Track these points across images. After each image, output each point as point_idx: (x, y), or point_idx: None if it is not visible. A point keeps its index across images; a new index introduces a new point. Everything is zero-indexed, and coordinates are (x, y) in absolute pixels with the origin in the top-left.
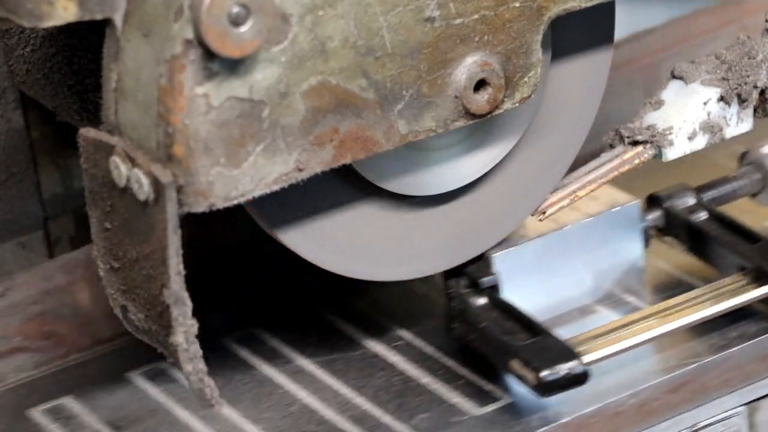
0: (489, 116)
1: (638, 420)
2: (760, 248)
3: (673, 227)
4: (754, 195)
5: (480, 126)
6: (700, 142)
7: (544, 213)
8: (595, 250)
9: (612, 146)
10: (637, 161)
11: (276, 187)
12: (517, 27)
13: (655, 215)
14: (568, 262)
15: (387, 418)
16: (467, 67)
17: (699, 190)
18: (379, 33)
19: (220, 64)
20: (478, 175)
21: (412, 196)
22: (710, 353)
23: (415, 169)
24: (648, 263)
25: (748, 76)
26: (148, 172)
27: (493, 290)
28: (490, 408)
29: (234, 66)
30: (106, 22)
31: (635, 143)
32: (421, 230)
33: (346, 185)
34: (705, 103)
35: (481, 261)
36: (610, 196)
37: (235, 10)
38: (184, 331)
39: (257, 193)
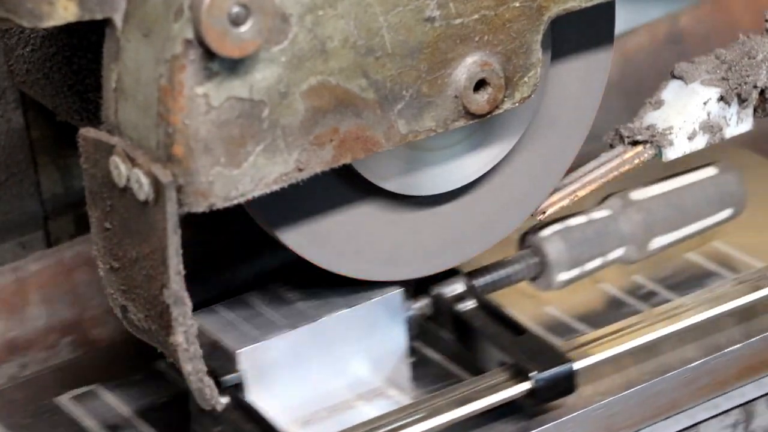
0: (489, 116)
1: None
2: (522, 342)
3: (440, 316)
4: (533, 279)
5: (480, 126)
6: (700, 142)
7: (545, 213)
8: (358, 341)
9: (612, 146)
10: (637, 161)
11: (276, 187)
12: (517, 27)
13: (421, 303)
14: (328, 354)
15: None
16: (467, 67)
17: (471, 275)
18: (379, 33)
19: (220, 64)
20: (478, 175)
21: (412, 196)
22: None
23: (415, 169)
24: (419, 353)
25: (748, 76)
26: (148, 172)
27: (236, 389)
28: None
29: (234, 66)
30: (106, 22)
31: (635, 143)
32: (421, 230)
33: (346, 185)
34: (705, 103)
35: (225, 357)
36: (374, 284)
37: (235, 10)
38: (184, 331)
39: (257, 193)
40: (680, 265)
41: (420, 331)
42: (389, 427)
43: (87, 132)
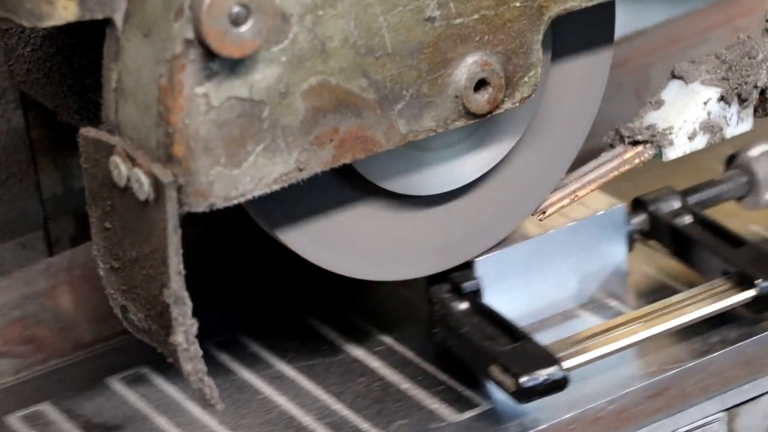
0: (489, 116)
1: (617, 426)
2: (744, 252)
3: (658, 231)
4: (739, 199)
5: (480, 126)
6: (701, 141)
7: (545, 213)
8: (580, 255)
9: (612, 146)
10: (637, 161)
11: (276, 187)
12: (518, 27)
13: (639, 219)
14: (552, 266)
15: (365, 425)
16: (467, 66)
17: (684, 193)
18: (379, 33)
19: (220, 64)
20: (479, 175)
21: (412, 195)
22: (691, 358)
23: (415, 168)
24: (632, 267)
25: (748, 76)
26: (148, 171)
27: (474, 295)
28: (469, 414)
29: (234, 66)
30: (106, 22)
31: (635, 143)
32: (421, 230)
33: (346, 185)
34: (705, 103)
35: (464, 265)
36: (595, 199)
37: (236, 10)
38: (184, 330)
39: (257, 193)
40: None
41: (638, 244)
42: (618, 332)
43: (87, 132)
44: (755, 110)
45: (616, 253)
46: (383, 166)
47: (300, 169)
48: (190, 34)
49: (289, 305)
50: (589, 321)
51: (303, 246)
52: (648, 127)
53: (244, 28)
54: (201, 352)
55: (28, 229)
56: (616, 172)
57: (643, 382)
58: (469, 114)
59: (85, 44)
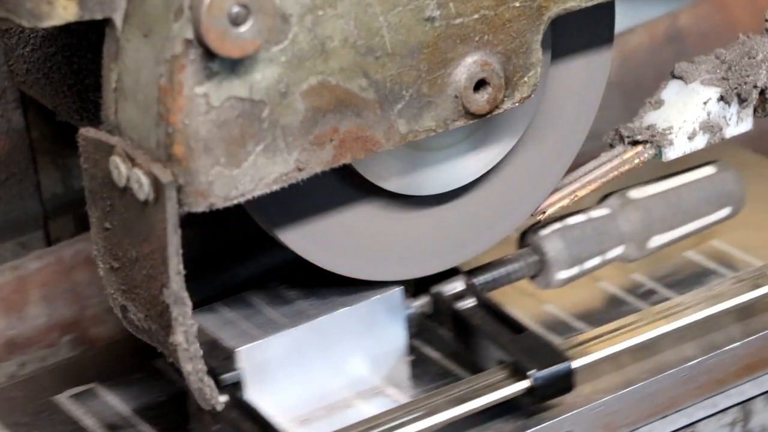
0: (489, 116)
1: None
2: (522, 340)
3: (440, 314)
4: (532, 277)
5: (480, 126)
6: (700, 141)
7: (545, 213)
8: (358, 340)
9: (612, 146)
10: (637, 161)
11: (276, 187)
12: (517, 27)
13: (422, 302)
14: (328, 353)
15: None
16: (467, 66)
17: (470, 273)
18: (379, 33)
19: (220, 64)
20: (478, 175)
21: (412, 196)
22: None
23: (415, 168)
24: (419, 352)
25: (748, 76)
26: (148, 171)
27: (235, 388)
28: None
29: (234, 66)
30: (106, 22)
31: (635, 143)
32: (421, 230)
33: (346, 185)
34: (705, 103)
35: (224, 356)
36: (373, 284)
37: (235, 9)
38: (184, 330)
39: (257, 193)
40: (679, 264)
41: (419, 329)
42: (387, 426)
43: (87, 132)
44: (755, 110)
45: (396, 337)
46: (383, 166)
47: (300, 169)
48: (190, 34)
49: None
50: (364, 411)
51: (303, 246)
52: (648, 127)
53: (244, 28)
54: (201, 352)
55: (28, 229)
56: (615, 172)
57: None
58: (468, 114)
59: (85, 44)
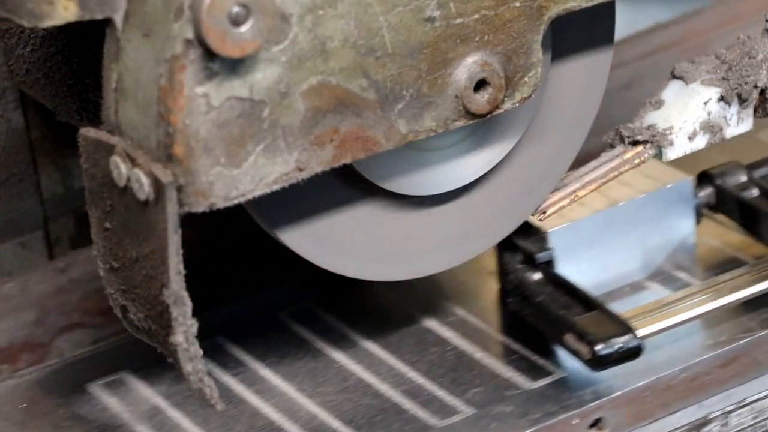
0: (489, 116)
1: (689, 394)
2: None
3: (725, 204)
4: None
5: (480, 126)
6: (701, 141)
7: (545, 213)
8: (648, 227)
9: (612, 146)
10: (637, 161)
11: (276, 187)
12: (518, 27)
13: (706, 192)
14: (621, 238)
15: (441, 392)
16: (467, 66)
17: (750, 167)
18: (379, 33)
19: (220, 64)
20: (479, 175)
21: (412, 195)
22: (761, 328)
23: (416, 168)
24: (700, 240)
25: (748, 76)
26: (148, 171)
27: (548, 265)
28: (543, 382)
29: (234, 66)
30: (106, 22)
31: (635, 143)
32: (421, 230)
33: (346, 185)
34: (705, 103)
35: (537, 236)
36: (662, 172)
37: (236, 9)
38: (184, 330)
39: (257, 193)
40: None
41: (704, 218)
42: (690, 302)
43: (87, 132)
44: (755, 110)
45: (683, 226)
46: (383, 166)
47: (300, 169)
48: (190, 34)
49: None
50: (659, 292)
51: (303, 246)
52: (648, 127)
53: (244, 28)
54: (201, 352)
55: (28, 229)
56: (616, 173)
57: (714, 351)
58: (469, 114)
59: (85, 44)
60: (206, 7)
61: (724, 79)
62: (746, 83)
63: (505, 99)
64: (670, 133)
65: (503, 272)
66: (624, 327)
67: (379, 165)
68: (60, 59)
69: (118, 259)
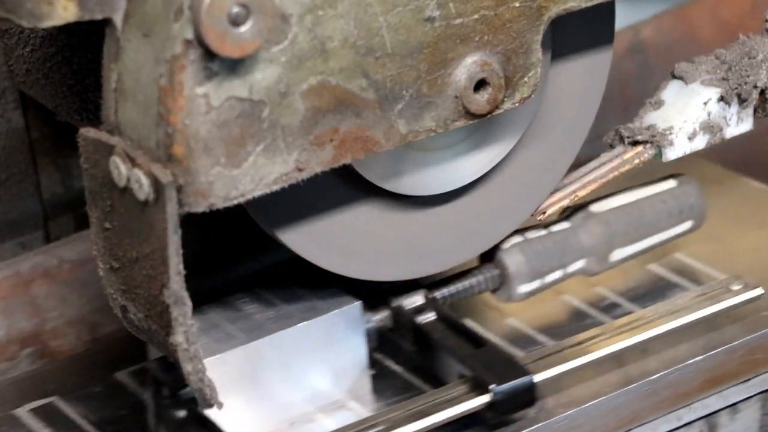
0: (489, 116)
1: None
2: (482, 354)
3: (401, 328)
4: (494, 291)
5: (480, 126)
6: (700, 142)
7: (545, 213)
8: (319, 354)
9: (612, 146)
10: (637, 161)
11: (276, 187)
12: (517, 27)
13: (381, 315)
14: (283, 368)
15: None
16: (467, 67)
17: (431, 287)
18: (379, 33)
19: (220, 64)
20: (479, 175)
21: (412, 196)
22: None
23: (415, 169)
24: (380, 365)
25: (748, 76)
26: (148, 172)
27: (194, 403)
28: None
29: (234, 66)
30: (106, 22)
31: (635, 143)
32: (421, 230)
33: (346, 185)
34: (705, 103)
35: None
36: (331, 300)
37: (235, 10)
38: (184, 330)
39: (257, 193)
40: (642, 277)
41: (380, 342)
42: None
43: (87, 132)
44: (755, 110)
45: (356, 351)
46: (383, 166)
47: (300, 169)
48: (190, 35)
49: None
50: (327, 425)
51: (303, 246)
52: (648, 128)
53: (244, 28)
54: (201, 352)
55: (28, 229)
56: (615, 173)
57: None
58: (468, 114)
59: (85, 44)
60: (206, 7)
61: (723, 79)
62: (746, 83)
63: (505, 99)
64: (670, 134)
65: (143, 405)
66: None
67: (379, 165)
68: (60, 59)
69: (118, 259)
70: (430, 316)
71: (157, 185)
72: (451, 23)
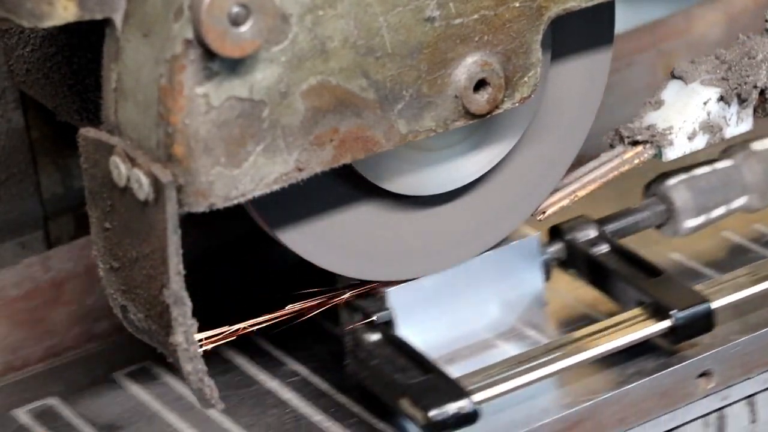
0: (489, 116)
1: None
2: (659, 283)
3: (575, 260)
4: (658, 227)
5: (480, 126)
6: (700, 141)
7: (545, 213)
8: (496, 284)
9: (612, 146)
10: (637, 161)
11: (276, 187)
12: (517, 27)
13: (556, 248)
14: (468, 295)
15: None
16: (467, 66)
17: (601, 222)
18: (379, 33)
19: (220, 64)
20: (478, 175)
21: (412, 196)
22: (607, 390)
23: (415, 169)
24: (551, 296)
25: (748, 76)
26: (148, 171)
27: (387, 326)
28: None
29: (234, 66)
30: (106, 22)
31: (635, 143)
32: (421, 230)
33: (346, 185)
34: (705, 103)
35: (376, 296)
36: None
37: (235, 9)
38: (184, 331)
39: (257, 193)
40: None
41: (555, 274)
42: (531, 364)
43: (87, 132)
44: (755, 110)
45: (532, 282)
46: (383, 166)
47: (300, 169)
48: (190, 34)
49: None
50: (506, 351)
51: (303, 246)
52: (648, 127)
53: (244, 28)
54: (201, 352)
55: (28, 229)
56: (615, 172)
57: (557, 414)
58: (468, 114)
59: (85, 44)
60: (206, 7)
61: (723, 79)
62: (746, 83)
63: (505, 99)
64: (670, 133)
65: (343, 332)
66: (459, 392)
67: (379, 165)
68: (60, 59)
69: (118, 259)
70: (603, 248)
71: (157, 185)
72: (451, 23)
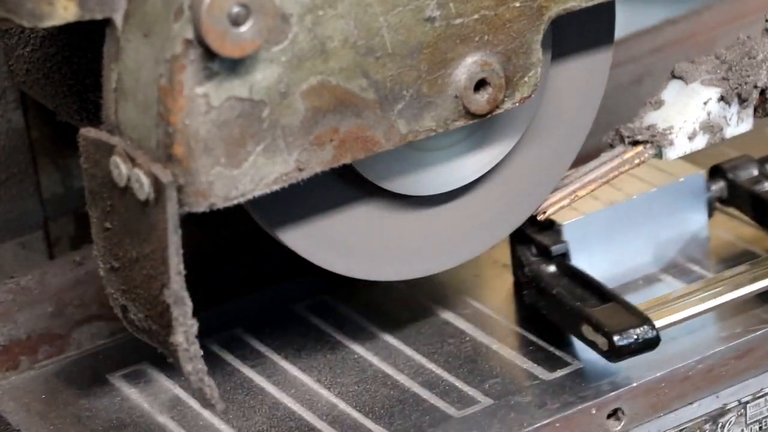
0: (489, 116)
1: (706, 385)
2: None
3: (737, 198)
4: None
5: (480, 126)
6: (701, 142)
7: (545, 213)
8: (660, 220)
9: (612, 146)
10: (637, 161)
11: (276, 187)
12: (518, 27)
13: (718, 186)
14: (634, 231)
15: (459, 383)
16: (467, 66)
17: (762, 161)
18: (379, 33)
19: (220, 64)
20: (479, 175)
21: (412, 196)
22: None
23: (415, 168)
24: (712, 233)
25: (748, 76)
26: (148, 171)
27: (563, 258)
28: (560, 373)
29: (234, 66)
30: (106, 22)
31: (635, 143)
32: (421, 230)
33: (346, 185)
34: (705, 103)
35: (552, 229)
36: (674, 166)
37: (235, 9)
38: (184, 330)
39: (257, 193)
40: None
41: (716, 212)
42: (706, 293)
43: (87, 132)
44: (755, 110)
45: (696, 219)
46: (383, 166)
47: (300, 169)
48: (190, 34)
49: None
50: (672, 285)
51: (303, 246)
52: (648, 127)
53: (244, 28)
54: (201, 352)
55: (28, 229)
56: (616, 172)
57: (729, 342)
58: (469, 114)
59: (85, 44)
60: (206, 7)
61: (724, 79)
62: (746, 83)
63: (505, 99)
64: (670, 133)
65: (518, 265)
66: (641, 318)
67: (379, 165)
68: (60, 59)
69: (119, 259)
70: (766, 186)
71: (157, 185)
72: (452, 23)
